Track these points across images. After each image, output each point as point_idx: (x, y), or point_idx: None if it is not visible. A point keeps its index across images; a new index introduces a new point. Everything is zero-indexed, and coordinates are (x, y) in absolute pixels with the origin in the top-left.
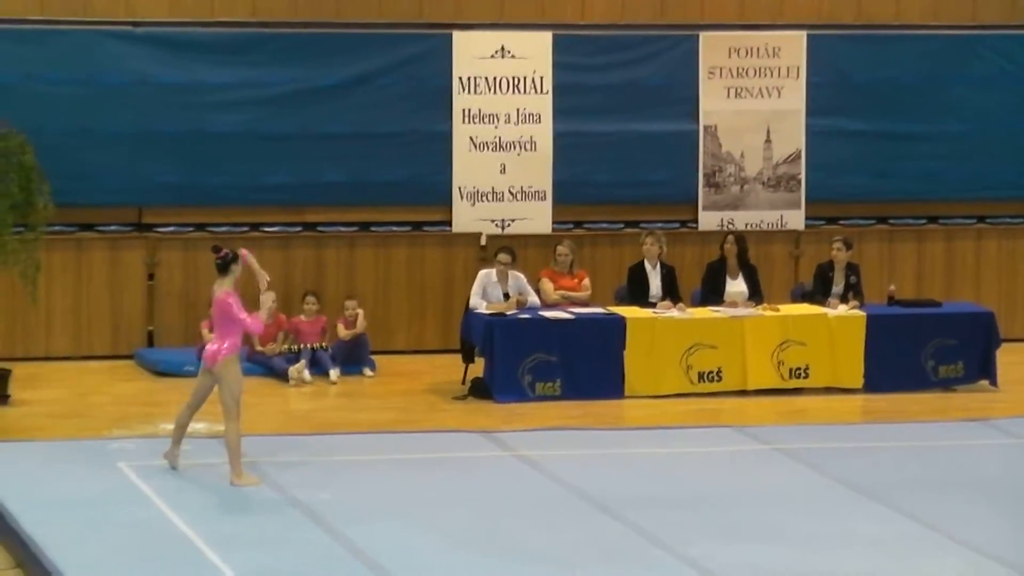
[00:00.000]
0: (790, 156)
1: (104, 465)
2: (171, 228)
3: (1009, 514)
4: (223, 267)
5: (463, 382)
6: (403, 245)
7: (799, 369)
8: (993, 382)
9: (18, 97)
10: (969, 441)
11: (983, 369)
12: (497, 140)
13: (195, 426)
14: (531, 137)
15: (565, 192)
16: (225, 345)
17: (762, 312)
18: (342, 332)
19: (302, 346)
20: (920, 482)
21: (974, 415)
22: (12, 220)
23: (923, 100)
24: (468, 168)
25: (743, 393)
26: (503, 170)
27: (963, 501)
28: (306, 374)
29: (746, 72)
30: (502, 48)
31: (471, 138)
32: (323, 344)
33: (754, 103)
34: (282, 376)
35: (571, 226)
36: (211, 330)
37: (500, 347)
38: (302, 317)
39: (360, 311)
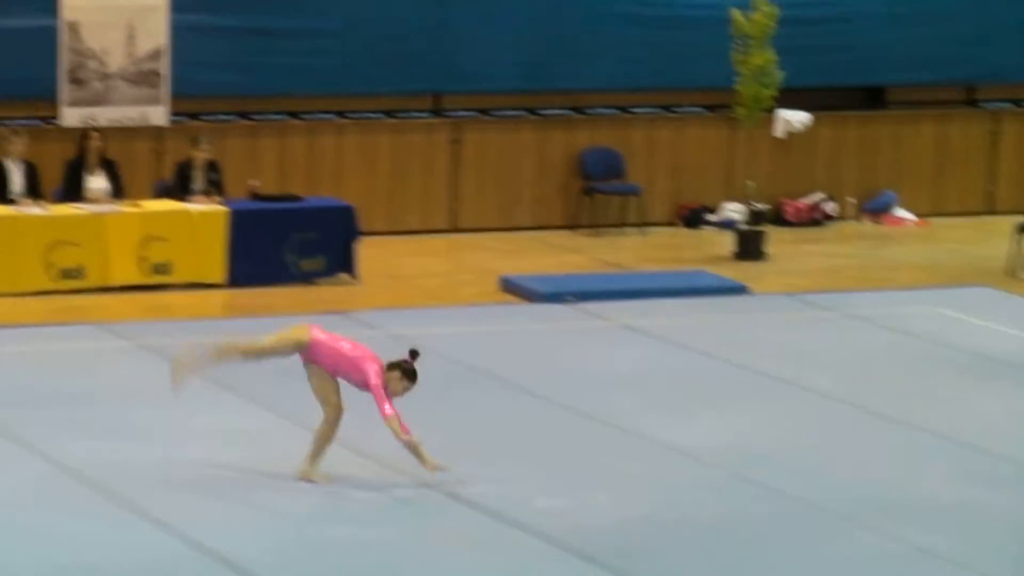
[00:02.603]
0: (152, 52)
1: None
2: None
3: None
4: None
5: None
6: None
7: (162, 265)
8: (353, 275)
9: None
10: None
11: (343, 263)
12: None
13: None
14: None
15: None
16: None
17: (124, 208)
18: None
19: None
20: (266, 374)
21: (335, 307)
22: None
23: None
24: None
25: (107, 290)
26: None
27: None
28: None
29: None
30: None
31: None
32: None
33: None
34: None
35: None
36: None
37: None
38: None
39: None
